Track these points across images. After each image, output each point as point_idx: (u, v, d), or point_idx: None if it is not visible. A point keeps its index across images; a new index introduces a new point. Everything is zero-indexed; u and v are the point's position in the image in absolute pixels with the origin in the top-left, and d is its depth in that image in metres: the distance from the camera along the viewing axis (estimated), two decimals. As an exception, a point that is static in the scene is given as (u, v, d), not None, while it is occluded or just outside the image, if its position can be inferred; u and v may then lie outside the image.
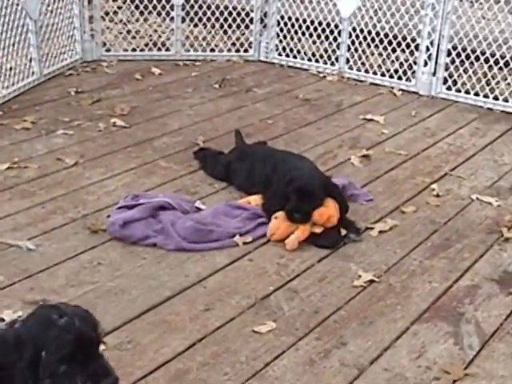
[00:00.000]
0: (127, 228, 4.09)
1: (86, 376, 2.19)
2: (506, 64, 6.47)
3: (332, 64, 7.29)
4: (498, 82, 6.57)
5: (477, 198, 4.82)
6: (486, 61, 6.54)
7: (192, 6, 7.55)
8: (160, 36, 7.78)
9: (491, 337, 3.45)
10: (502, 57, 6.45)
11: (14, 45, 6.26)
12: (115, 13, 7.89)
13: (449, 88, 6.71)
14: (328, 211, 4.19)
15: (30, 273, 3.74)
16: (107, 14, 7.52)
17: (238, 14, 7.61)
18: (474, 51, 6.56)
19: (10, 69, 6.24)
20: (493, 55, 6.48)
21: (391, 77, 7.01)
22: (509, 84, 6.54)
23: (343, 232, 4.22)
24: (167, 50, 7.56)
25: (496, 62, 6.50)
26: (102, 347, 2.28)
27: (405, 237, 4.31)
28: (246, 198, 4.49)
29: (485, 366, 3.25)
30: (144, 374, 3.09)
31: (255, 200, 4.44)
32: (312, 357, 3.25)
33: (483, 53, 6.52)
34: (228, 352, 3.24)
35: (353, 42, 7.13)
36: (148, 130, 5.67)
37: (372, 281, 3.83)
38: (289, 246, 4.10)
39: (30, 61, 6.50)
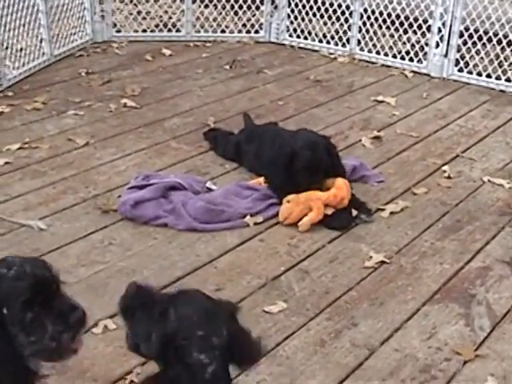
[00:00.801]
0: (138, 208, 4.09)
1: (53, 316, 2.18)
2: (519, 45, 6.42)
3: (343, 45, 7.25)
4: (510, 64, 6.52)
5: (488, 180, 4.80)
6: (499, 42, 6.48)
7: (203, -13, 7.52)
8: (170, 17, 7.74)
9: (502, 318, 3.44)
10: (515, 38, 6.41)
11: (24, 25, 6.25)
12: (126, -7, 7.87)
13: (460, 70, 6.66)
14: (341, 193, 4.18)
15: (41, 252, 3.75)
16: (117, -6, 7.51)
17: (249, -6, 7.59)
18: (486, 33, 6.50)
19: (21, 49, 6.24)
20: (506, 37, 6.43)
21: (403, 58, 6.97)
22: (522, 66, 6.50)
23: (354, 213, 4.21)
24: (178, 30, 7.53)
25: (509, 44, 6.45)
26: (62, 286, 2.28)
27: (416, 218, 4.29)
28: (257, 179, 4.48)
29: (495, 347, 3.25)
30: (155, 353, 3.09)
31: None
32: (323, 337, 3.25)
33: (496, 34, 6.45)
34: (239, 332, 3.24)
35: (364, 24, 7.08)
36: (159, 111, 5.66)
37: (383, 262, 3.82)
38: (302, 227, 4.09)
39: (41, 41, 6.49)
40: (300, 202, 4.12)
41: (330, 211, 4.17)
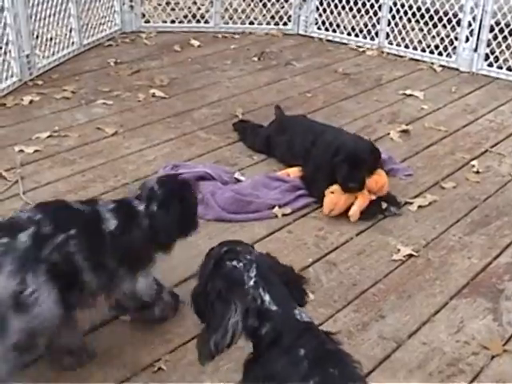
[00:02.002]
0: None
1: None
2: (550, 41, 6.36)
3: (372, 39, 7.23)
4: (540, 60, 6.48)
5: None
6: (529, 37, 6.44)
7: (232, -22, 7.53)
8: (199, 8, 7.75)
9: (531, 314, 3.43)
10: (546, 33, 6.35)
11: (54, 15, 6.28)
12: (155, -16, 7.88)
13: (490, 64, 6.62)
14: (382, 179, 4.21)
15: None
16: (148, -16, 7.53)
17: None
18: (517, 27, 6.46)
19: (51, 39, 6.28)
20: (536, 31, 6.39)
21: (431, 52, 6.93)
22: (552, 61, 6.45)
23: (384, 205, 4.21)
24: (206, 22, 7.55)
25: (539, 39, 6.40)
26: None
27: (444, 212, 4.28)
28: (285, 170, 4.49)
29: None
30: (183, 341, 3.13)
31: (294, 172, 4.44)
32: (350, 329, 3.26)
33: (526, 29, 6.42)
34: (266, 322, 3.25)
35: (393, 17, 7.05)
36: (187, 101, 5.67)
37: (411, 255, 3.82)
38: (353, 218, 4.10)
39: (70, 31, 6.54)
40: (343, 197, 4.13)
41: (374, 197, 4.19)
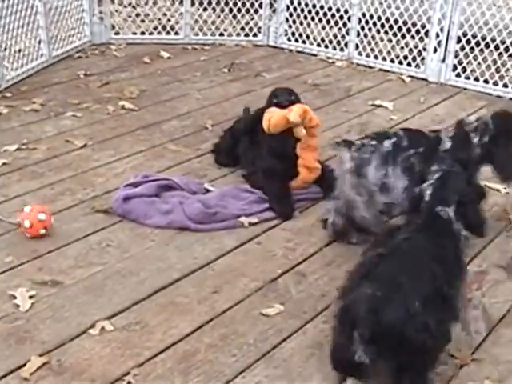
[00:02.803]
0: (129, 203, 4.13)
1: None
2: (516, 51, 6.44)
3: (341, 50, 7.28)
4: (507, 70, 6.54)
5: (485, 185, 4.78)
6: (496, 48, 6.50)
7: (199, -10, 7.55)
8: (169, 20, 7.75)
9: (498, 322, 3.45)
10: (512, 44, 6.43)
11: (23, 26, 6.25)
12: (124, -5, 7.88)
13: (458, 75, 6.68)
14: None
15: (38, 253, 3.76)
16: (116, -4, 7.52)
17: (247, -2, 7.61)
18: (483, 38, 6.52)
19: (19, 51, 6.25)
20: (503, 42, 6.45)
21: (400, 63, 6.99)
22: (518, 72, 6.53)
23: None
24: (176, 33, 7.56)
25: (506, 50, 6.47)
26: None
27: (413, 222, 4.30)
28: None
29: (491, 351, 3.25)
30: (152, 354, 3.11)
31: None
32: (319, 340, 3.26)
33: (493, 40, 6.48)
34: (236, 334, 3.25)
35: (362, 28, 7.10)
36: (157, 113, 5.67)
37: (380, 265, 3.82)
38: (293, 117, 4.24)
39: (39, 43, 6.51)
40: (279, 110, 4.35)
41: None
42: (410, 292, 2.73)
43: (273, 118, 4.29)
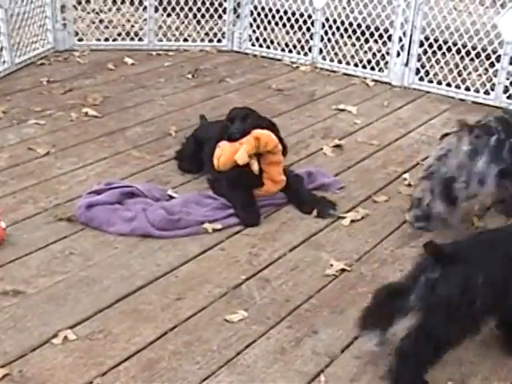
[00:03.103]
0: (91, 211, 4.11)
1: None
2: (477, 55, 6.50)
3: (305, 54, 7.31)
4: (469, 73, 6.62)
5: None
6: (458, 52, 6.57)
7: (165, -4, 7.54)
8: (133, 26, 7.74)
9: (461, 324, 3.47)
10: (474, 48, 6.48)
11: (-16, 34, 6.21)
12: (87, 2, 7.84)
13: (421, 79, 6.74)
14: (267, 134, 4.30)
15: (0, 263, 3.72)
16: (79, 3, 7.49)
17: (212, 3, 7.61)
18: (445, 42, 6.59)
19: (-19, 58, 6.20)
20: (464, 46, 6.52)
21: (364, 67, 7.03)
22: (480, 75, 6.59)
23: (314, 213, 4.37)
24: (140, 39, 7.54)
25: (467, 53, 6.53)
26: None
27: (376, 226, 4.33)
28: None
29: (454, 352, 3.24)
30: (115, 363, 3.09)
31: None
32: (283, 345, 3.26)
33: (455, 44, 6.54)
34: (199, 341, 3.24)
35: (326, 33, 7.14)
36: (120, 120, 5.65)
37: (343, 270, 3.84)
38: (240, 159, 4.17)
39: (1, 50, 6.45)
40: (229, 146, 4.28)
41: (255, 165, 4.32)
42: None
43: (221, 158, 4.23)
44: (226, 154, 4.23)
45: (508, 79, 6.34)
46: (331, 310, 3.52)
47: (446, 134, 4.30)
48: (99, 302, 3.47)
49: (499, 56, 6.30)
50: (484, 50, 6.43)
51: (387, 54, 6.85)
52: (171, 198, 4.42)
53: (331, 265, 3.87)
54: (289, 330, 3.36)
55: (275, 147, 4.33)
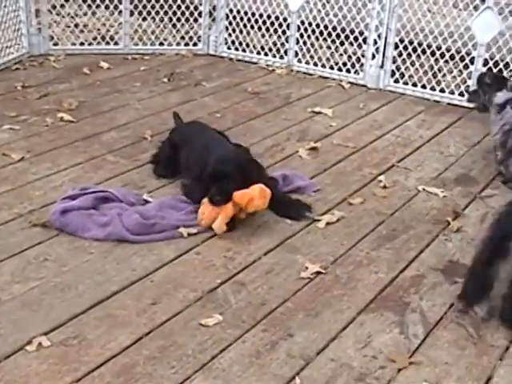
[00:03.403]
0: (66, 216, 4.09)
1: None
2: (452, 57, 6.55)
3: (281, 57, 7.32)
4: (444, 75, 6.67)
5: (423, 189, 4.88)
6: (433, 54, 6.61)
7: (140, 0, 7.51)
8: (108, 30, 7.72)
9: (435, 325, 3.50)
10: (448, 50, 6.54)
11: (-42, 38, 6.17)
12: (62, 6, 7.79)
13: (396, 81, 6.78)
14: (251, 193, 4.14)
15: (-26, 269, 3.71)
16: (54, 7, 7.42)
17: (187, 7, 7.60)
18: (420, 44, 6.62)
19: (-45, 63, 6.16)
20: (439, 48, 6.57)
21: (340, 70, 7.05)
22: (454, 77, 6.64)
23: (289, 221, 4.35)
24: (116, 43, 7.51)
25: (442, 55, 6.59)
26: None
27: (352, 228, 4.34)
28: None
29: (429, 353, 3.30)
30: (90, 369, 3.07)
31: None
32: (259, 349, 3.26)
33: (429, 46, 6.59)
34: (175, 345, 3.24)
35: (301, 36, 7.16)
36: (96, 125, 5.63)
37: (319, 272, 3.85)
38: (217, 229, 4.13)
39: (-25, 55, 6.42)
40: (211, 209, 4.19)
41: (243, 215, 4.24)
42: None
43: (203, 222, 4.19)
44: (206, 217, 4.18)
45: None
46: (306, 313, 3.53)
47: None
48: (74, 307, 3.45)
49: (473, 58, 6.35)
50: (458, 52, 6.49)
51: (362, 56, 6.88)
52: (146, 202, 4.42)
53: (306, 267, 3.88)
54: (264, 333, 3.37)
55: (256, 206, 4.23)
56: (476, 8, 6.38)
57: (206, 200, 4.21)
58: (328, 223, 4.36)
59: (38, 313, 3.40)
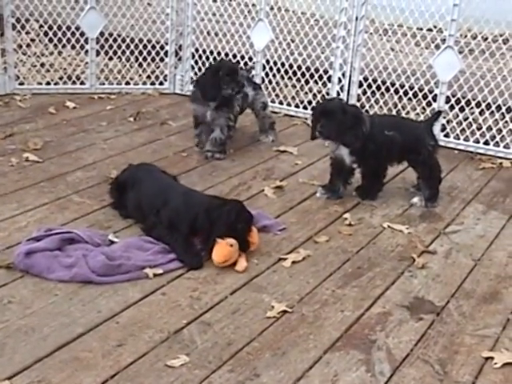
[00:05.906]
0: (31, 258, 4.05)
1: None
2: (415, 94, 6.64)
3: (247, 96, 7.36)
4: (407, 112, 6.76)
5: (388, 226, 4.92)
6: (396, 92, 6.71)
7: (106, 39, 7.55)
8: (74, 69, 7.74)
9: (402, 362, 3.51)
10: (411, 87, 6.63)
11: None
12: (28, 46, 7.81)
13: (360, 118, 6.84)
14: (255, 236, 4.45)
15: None
16: (20, 46, 7.45)
17: (153, 46, 7.65)
18: (384, 82, 6.72)
19: None
20: (402, 86, 6.66)
21: (305, 108, 7.12)
22: (418, 114, 6.73)
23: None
24: (82, 83, 7.52)
25: (405, 93, 6.67)
26: None
27: (317, 266, 4.36)
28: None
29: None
30: None
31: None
32: (225, 389, 3.25)
33: (393, 84, 6.68)
34: (140, 388, 3.22)
35: (267, 74, 7.23)
36: (61, 165, 5.61)
37: (285, 311, 3.85)
38: (241, 269, 4.24)
39: None
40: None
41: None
42: None
43: (231, 260, 4.26)
44: (232, 261, 4.28)
45: (444, 118, 6.48)
46: (273, 353, 3.52)
47: None
48: (38, 350, 3.42)
49: (436, 95, 6.45)
50: (421, 89, 6.58)
51: (327, 94, 6.95)
52: (112, 242, 4.40)
53: (273, 307, 3.88)
54: (230, 373, 3.35)
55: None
56: (437, 47, 6.49)
57: (234, 243, 4.24)
58: (294, 262, 4.37)
59: (2, 357, 3.35)
